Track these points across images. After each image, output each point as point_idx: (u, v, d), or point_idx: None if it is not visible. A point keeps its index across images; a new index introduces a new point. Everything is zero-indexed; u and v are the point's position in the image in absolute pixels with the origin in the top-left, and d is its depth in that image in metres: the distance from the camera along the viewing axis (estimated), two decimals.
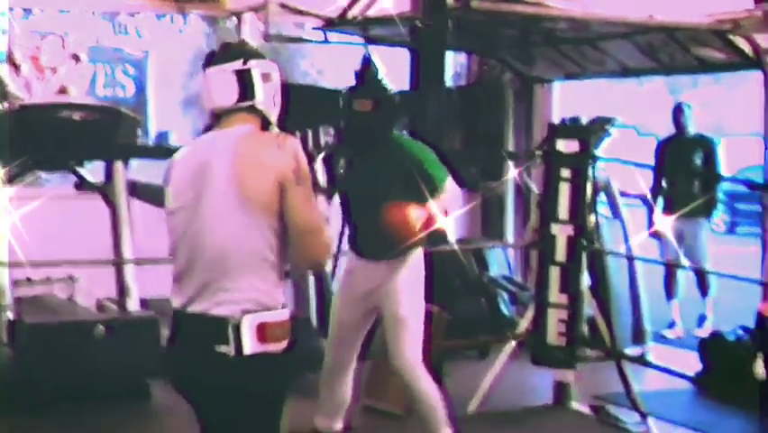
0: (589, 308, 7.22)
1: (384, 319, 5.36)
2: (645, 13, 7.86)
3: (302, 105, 8.08)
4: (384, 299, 5.31)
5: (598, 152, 7.93)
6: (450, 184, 5.26)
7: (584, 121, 8.46)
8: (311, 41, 8.79)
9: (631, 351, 8.15)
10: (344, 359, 5.51)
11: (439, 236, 5.35)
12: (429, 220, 5.06)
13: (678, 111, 9.35)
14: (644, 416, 6.67)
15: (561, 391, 7.04)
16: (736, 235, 17.80)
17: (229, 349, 3.35)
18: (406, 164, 5.19)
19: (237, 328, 3.36)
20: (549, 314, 6.75)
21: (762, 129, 8.46)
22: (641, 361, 7.91)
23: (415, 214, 5.02)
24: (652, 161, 9.61)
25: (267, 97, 3.55)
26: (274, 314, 3.42)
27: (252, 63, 3.54)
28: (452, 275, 6.51)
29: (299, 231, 3.42)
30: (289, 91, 8.90)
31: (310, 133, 7.68)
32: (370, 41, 8.59)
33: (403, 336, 5.29)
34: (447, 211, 5.19)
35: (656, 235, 9.26)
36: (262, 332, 3.37)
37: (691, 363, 7.78)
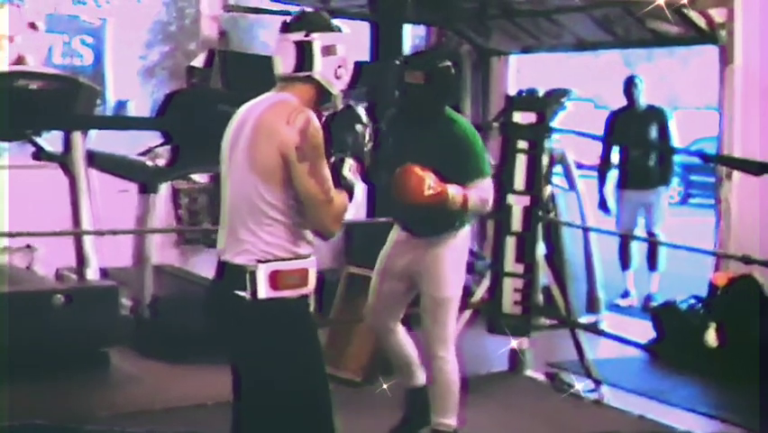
0: (544, 277, 7.33)
1: (420, 297, 5.31)
2: None
3: (261, 76, 8.14)
4: (422, 277, 5.26)
5: (555, 123, 8.03)
6: (487, 183, 5.15)
7: (541, 93, 8.55)
8: (271, 11, 8.80)
9: (585, 319, 8.27)
10: (384, 326, 5.45)
11: (464, 216, 5.22)
12: (441, 192, 4.93)
13: (629, 84, 9.42)
14: (597, 383, 6.78)
15: (516, 358, 7.15)
16: (689, 206, 18.00)
17: (246, 293, 3.67)
18: (453, 146, 5.10)
19: (253, 275, 3.66)
20: (505, 283, 6.84)
21: (717, 102, 8.57)
22: (594, 329, 8.04)
23: (429, 179, 4.89)
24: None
25: (326, 69, 3.73)
26: (287, 263, 3.68)
27: (315, 36, 3.72)
28: None
29: (304, 202, 3.67)
30: (249, 61, 8.94)
31: None
32: (330, 13, 8.61)
33: (436, 317, 5.24)
34: (468, 200, 5.03)
35: (606, 209, 9.41)
36: (275, 279, 3.66)
37: (644, 332, 7.91)
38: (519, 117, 6.97)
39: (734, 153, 7.83)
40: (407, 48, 8.43)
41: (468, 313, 6.99)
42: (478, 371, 7.10)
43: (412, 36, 9.59)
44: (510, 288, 6.85)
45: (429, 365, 5.33)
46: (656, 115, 9.42)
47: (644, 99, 9.38)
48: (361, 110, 3.89)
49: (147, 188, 7.43)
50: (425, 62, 5.29)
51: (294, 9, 8.66)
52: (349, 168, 3.81)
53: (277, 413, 3.73)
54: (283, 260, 3.68)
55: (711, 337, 7.39)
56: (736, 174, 7.78)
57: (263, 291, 3.66)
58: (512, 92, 9.12)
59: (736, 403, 6.70)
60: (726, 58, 8.02)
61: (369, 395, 6.25)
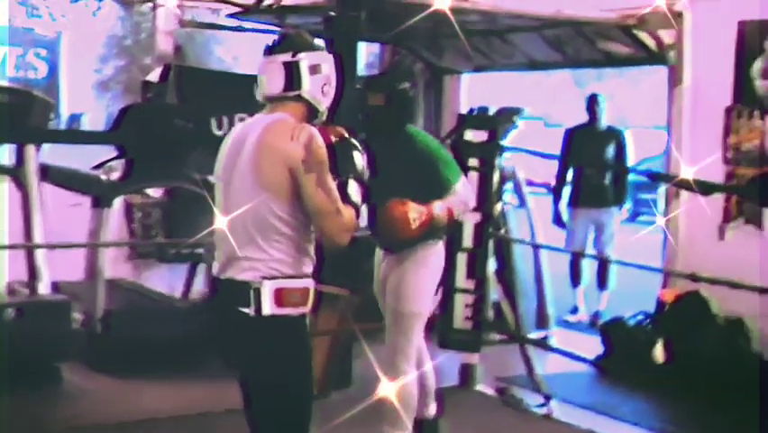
0: (494, 293, 7.42)
1: (386, 308, 5.44)
2: (553, 8, 8.05)
3: (217, 91, 8.18)
4: (388, 289, 5.40)
5: (506, 142, 8.13)
6: (461, 185, 5.31)
7: (492, 111, 8.65)
8: (226, 27, 8.85)
9: (535, 335, 8.36)
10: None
11: (439, 231, 5.36)
12: (427, 219, 5.09)
13: (593, 102, 9.48)
14: (546, 398, 6.87)
15: (466, 373, 7.22)
16: (637, 223, 18.20)
17: (250, 310, 3.76)
18: (420, 160, 5.25)
19: (258, 292, 3.75)
20: (456, 298, 6.90)
21: (665, 122, 8.71)
22: (544, 345, 8.13)
23: (413, 212, 5.04)
24: (559, 151, 9.82)
25: (314, 88, 3.88)
26: (292, 281, 3.80)
27: (302, 55, 3.86)
28: (362, 259, 6.66)
29: (313, 214, 3.80)
30: (205, 76, 8.93)
31: (225, 119, 7.75)
32: (285, 29, 8.68)
33: (398, 330, 5.35)
34: (453, 210, 5.22)
35: (562, 223, 9.51)
36: (279, 296, 3.77)
37: (593, 347, 8.01)
38: (471, 135, 7.06)
39: (682, 172, 7.95)
40: (362, 65, 8.51)
41: None
42: None
43: (367, 54, 9.68)
44: (461, 303, 6.91)
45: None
46: (615, 136, 9.51)
47: (605, 119, 9.49)
48: (355, 140, 4.00)
49: (100, 203, 7.43)
50: (384, 85, 5.44)
51: (248, 25, 8.75)
52: (354, 189, 3.92)
53: (268, 422, 3.89)
54: (287, 277, 3.79)
55: (659, 353, 7.51)
56: (684, 193, 7.90)
57: (268, 308, 3.76)
58: (464, 110, 9.25)
59: (682, 418, 6.83)
60: (674, 78, 8.16)
61: (321, 408, 6.28)
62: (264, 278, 3.77)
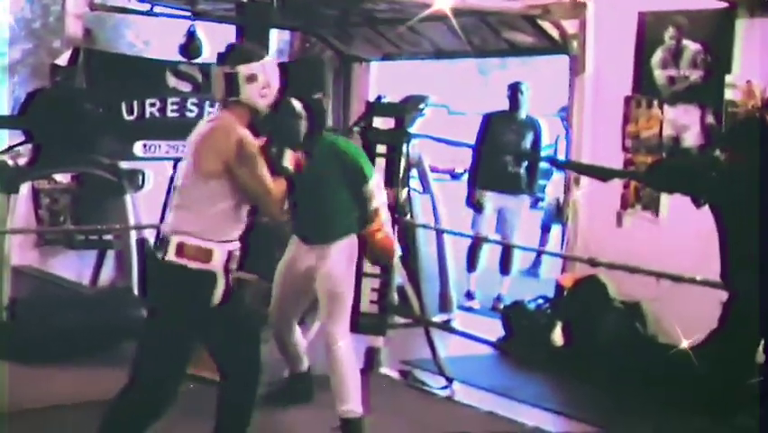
0: (399, 277, 7.55)
1: (319, 296, 5.92)
2: None
3: (127, 76, 8.15)
4: (320, 277, 5.88)
5: (412, 129, 8.25)
6: (376, 179, 5.86)
7: (389, 99, 8.74)
8: (137, 11, 8.82)
9: (438, 318, 8.51)
10: (287, 325, 6.28)
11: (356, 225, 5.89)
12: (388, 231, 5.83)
13: (515, 90, 9.57)
14: (449, 380, 7.03)
15: (372, 356, 7.33)
16: (538, 210, 18.46)
17: (162, 256, 4.60)
18: (339, 159, 5.79)
19: (167, 242, 4.59)
20: (362, 283, 7.02)
21: (566, 110, 8.88)
22: (447, 328, 8.28)
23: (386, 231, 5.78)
24: (462, 138, 9.94)
25: (252, 94, 4.62)
26: (195, 239, 4.56)
27: (239, 68, 4.60)
28: (272, 246, 6.73)
29: (250, 197, 4.63)
30: (115, 60, 8.82)
31: (135, 104, 7.73)
32: (197, 15, 8.70)
33: (333, 310, 5.84)
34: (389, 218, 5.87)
35: (476, 207, 9.60)
36: (181, 249, 4.55)
37: (495, 331, 8.17)
38: (379, 122, 7.20)
39: (582, 159, 8.13)
40: (272, 52, 8.56)
41: None
42: None
43: (277, 41, 9.73)
44: (367, 288, 7.03)
45: (328, 355, 5.82)
46: (533, 125, 9.61)
47: (527, 108, 9.59)
48: (296, 103, 4.78)
49: (7, 188, 7.38)
50: (303, 93, 5.69)
51: (160, 9, 8.75)
52: (287, 158, 4.69)
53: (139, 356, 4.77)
54: (195, 238, 4.55)
55: (557, 336, 7.70)
56: (583, 179, 8.09)
57: (171, 255, 4.55)
58: (372, 98, 9.36)
59: (580, 400, 6.98)
60: (576, 67, 8.31)
61: None
62: (175, 233, 4.55)
